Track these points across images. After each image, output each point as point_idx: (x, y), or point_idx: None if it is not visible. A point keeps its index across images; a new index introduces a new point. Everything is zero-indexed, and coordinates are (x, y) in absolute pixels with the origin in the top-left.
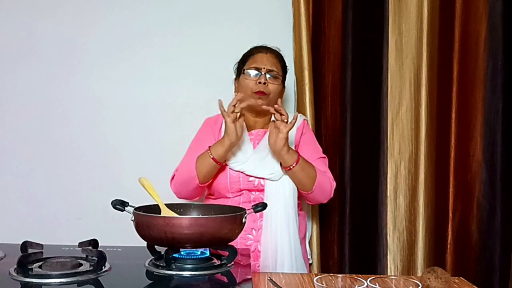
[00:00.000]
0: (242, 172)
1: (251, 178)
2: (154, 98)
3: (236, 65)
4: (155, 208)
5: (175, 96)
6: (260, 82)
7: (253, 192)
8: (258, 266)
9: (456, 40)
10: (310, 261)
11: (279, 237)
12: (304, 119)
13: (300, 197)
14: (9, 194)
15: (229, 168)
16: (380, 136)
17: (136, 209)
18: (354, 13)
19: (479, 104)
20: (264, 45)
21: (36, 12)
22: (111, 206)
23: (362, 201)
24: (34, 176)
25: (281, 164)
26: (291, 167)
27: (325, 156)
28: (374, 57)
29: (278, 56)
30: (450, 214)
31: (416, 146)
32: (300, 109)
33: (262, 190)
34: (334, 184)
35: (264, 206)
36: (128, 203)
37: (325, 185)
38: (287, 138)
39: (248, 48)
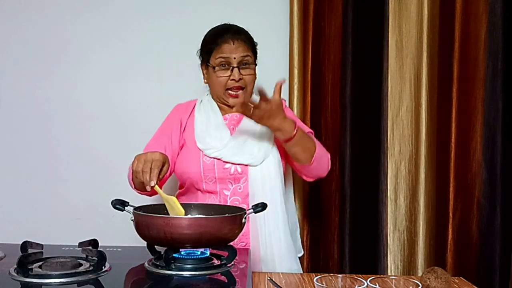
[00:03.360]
0: (218, 159)
1: (227, 166)
2: (154, 98)
3: (200, 50)
4: (155, 208)
5: (176, 96)
6: (233, 79)
7: (230, 186)
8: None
9: (456, 40)
10: (301, 253)
11: (267, 229)
12: (282, 99)
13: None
14: (9, 194)
15: (204, 155)
16: (380, 136)
17: (136, 209)
18: (354, 13)
19: (479, 104)
20: (228, 29)
21: (35, 13)
22: (111, 206)
23: (362, 201)
24: (34, 176)
25: (276, 141)
26: (293, 135)
27: (312, 131)
28: (374, 57)
29: (245, 40)
30: (450, 214)
31: (416, 146)
32: (289, 107)
33: (238, 180)
34: (329, 154)
35: (264, 206)
36: (128, 203)
37: (324, 155)
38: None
39: (209, 30)
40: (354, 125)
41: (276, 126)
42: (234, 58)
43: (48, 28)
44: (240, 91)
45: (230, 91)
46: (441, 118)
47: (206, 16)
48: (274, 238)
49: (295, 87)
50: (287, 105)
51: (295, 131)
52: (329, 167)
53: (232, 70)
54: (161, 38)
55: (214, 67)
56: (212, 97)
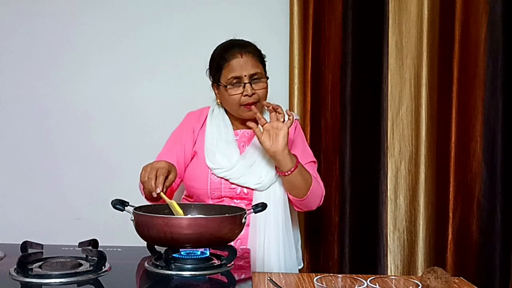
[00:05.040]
0: (225, 179)
1: (233, 186)
2: (154, 98)
3: (208, 70)
4: (155, 208)
5: (176, 96)
6: (247, 95)
7: (235, 200)
8: None
9: (456, 40)
10: (301, 266)
11: (266, 253)
12: (296, 119)
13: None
14: (9, 194)
15: (212, 173)
16: (380, 136)
17: (136, 209)
18: (354, 13)
19: (479, 104)
20: (234, 43)
21: (37, 13)
22: (111, 206)
23: (362, 201)
24: (34, 176)
25: (276, 170)
26: (291, 171)
27: (315, 160)
28: (374, 57)
29: (254, 52)
30: (450, 214)
31: (416, 146)
32: (289, 107)
33: (245, 199)
34: (324, 191)
35: (264, 206)
36: (128, 203)
37: (318, 191)
38: (287, 137)
39: (215, 48)
40: (354, 125)
41: (280, 155)
42: (245, 75)
43: (49, 28)
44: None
45: (245, 106)
46: (441, 118)
47: (207, 16)
48: (274, 261)
49: (295, 87)
50: (299, 120)
51: (294, 167)
52: (321, 203)
53: (244, 86)
54: (161, 39)
55: (226, 86)
56: (226, 112)
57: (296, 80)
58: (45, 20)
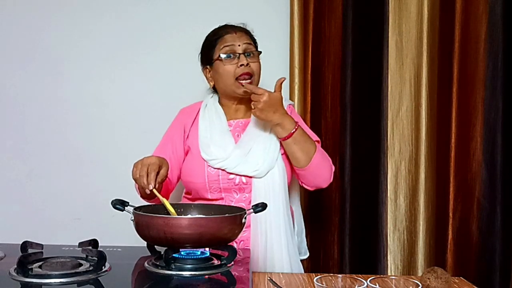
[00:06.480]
0: (222, 169)
1: (232, 176)
2: (154, 98)
3: (200, 55)
4: (155, 208)
5: (176, 96)
6: (242, 65)
7: (235, 195)
8: None
9: (456, 40)
10: (307, 255)
11: (269, 241)
12: (289, 104)
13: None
14: (9, 194)
15: (208, 165)
16: (380, 136)
17: (135, 209)
18: (354, 13)
19: (479, 104)
20: (228, 24)
21: (36, 13)
22: (111, 206)
23: (362, 201)
24: (34, 176)
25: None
26: (292, 132)
27: (319, 140)
28: (374, 57)
29: (247, 32)
30: (450, 214)
31: (416, 146)
32: None
33: (243, 190)
34: (333, 167)
35: (264, 206)
36: (128, 203)
37: (324, 163)
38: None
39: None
40: (354, 125)
41: (276, 121)
42: (239, 45)
43: (50, 29)
44: (249, 79)
45: (239, 80)
46: (441, 118)
47: (207, 16)
48: (276, 248)
49: (296, 87)
50: (295, 110)
51: (295, 128)
52: (331, 179)
53: (239, 57)
54: (161, 38)
55: (220, 59)
56: (219, 100)
57: (296, 80)
58: (47, 21)
